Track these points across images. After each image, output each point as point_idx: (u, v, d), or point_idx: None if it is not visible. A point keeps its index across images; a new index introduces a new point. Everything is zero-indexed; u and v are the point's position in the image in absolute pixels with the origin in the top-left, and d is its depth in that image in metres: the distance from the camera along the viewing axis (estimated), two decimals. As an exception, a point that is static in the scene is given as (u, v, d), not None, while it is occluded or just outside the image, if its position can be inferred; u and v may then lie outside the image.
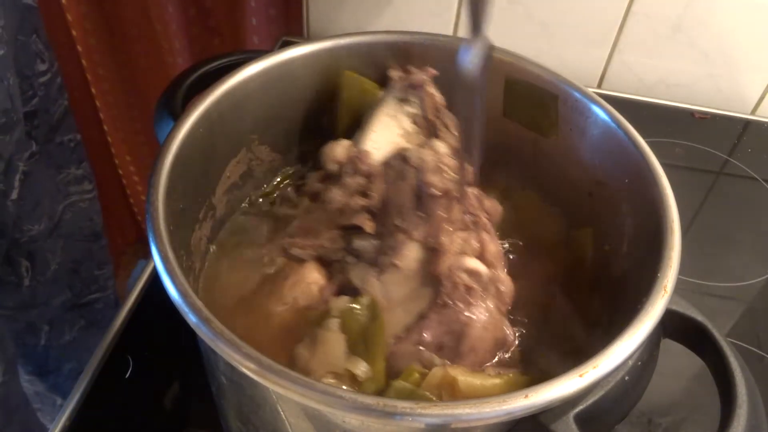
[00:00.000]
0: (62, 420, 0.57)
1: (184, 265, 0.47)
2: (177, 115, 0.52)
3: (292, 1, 0.99)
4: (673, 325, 0.44)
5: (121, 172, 1.29)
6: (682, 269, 0.42)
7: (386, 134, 0.53)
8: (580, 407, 0.39)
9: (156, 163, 0.46)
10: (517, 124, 0.59)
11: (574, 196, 0.57)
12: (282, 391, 0.35)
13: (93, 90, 1.14)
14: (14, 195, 0.69)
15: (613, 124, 0.52)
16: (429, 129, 0.54)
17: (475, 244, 0.48)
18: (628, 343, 0.38)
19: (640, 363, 0.42)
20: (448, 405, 0.35)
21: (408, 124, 0.54)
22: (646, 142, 0.50)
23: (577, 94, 0.54)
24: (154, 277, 0.67)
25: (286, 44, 0.62)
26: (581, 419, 0.39)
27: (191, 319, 0.38)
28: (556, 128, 0.57)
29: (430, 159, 0.48)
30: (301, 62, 0.57)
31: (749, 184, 0.84)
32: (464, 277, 0.46)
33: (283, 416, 0.42)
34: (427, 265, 0.47)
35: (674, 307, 0.44)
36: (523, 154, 0.61)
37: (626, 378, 0.41)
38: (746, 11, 0.87)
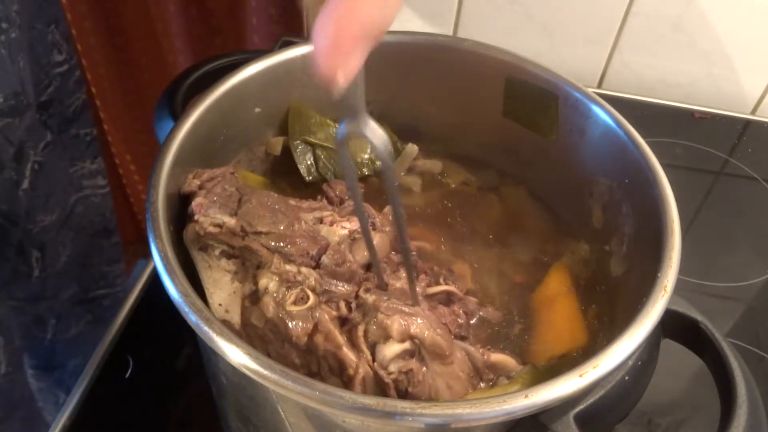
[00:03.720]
0: (62, 419, 0.57)
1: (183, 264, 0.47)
2: (177, 115, 0.52)
3: (293, 1, 0.99)
4: (673, 325, 0.44)
5: (121, 171, 1.29)
6: (682, 269, 0.42)
7: (223, 289, 0.47)
8: (580, 407, 0.39)
9: (156, 163, 0.46)
10: (517, 124, 0.59)
11: (575, 196, 0.57)
12: (282, 391, 0.35)
13: (93, 89, 1.14)
14: (25, 184, 0.69)
15: (613, 124, 0.52)
16: (245, 257, 0.48)
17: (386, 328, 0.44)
18: (628, 343, 0.38)
19: (640, 363, 0.42)
20: (448, 405, 0.35)
21: (228, 265, 0.48)
22: (646, 142, 0.50)
23: (577, 94, 0.54)
24: (154, 276, 0.67)
25: (286, 44, 0.62)
26: (581, 419, 0.39)
27: (191, 319, 0.38)
28: (556, 128, 0.57)
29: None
30: (301, 62, 0.57)
31: (749, 184, 0.84)
32: (393, 370, 0.43)
33: (283, 416, 0.42)
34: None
35: (674, 307, 0.44)
36: (523, 154, 0.61)
37: (626, 378, 0.41)
38: (746, 11, 0.87)
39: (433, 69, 0.59)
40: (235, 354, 0.36)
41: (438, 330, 0.44)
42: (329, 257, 0.46)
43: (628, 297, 0.46)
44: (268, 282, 0.45)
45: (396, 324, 0.43)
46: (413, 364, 0.43)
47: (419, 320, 0.44)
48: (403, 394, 0.43)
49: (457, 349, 0.45)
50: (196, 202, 0.47)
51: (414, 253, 0.52)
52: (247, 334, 0.45)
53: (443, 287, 0.49)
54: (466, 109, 0.61)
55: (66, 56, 0.72)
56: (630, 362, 0.41)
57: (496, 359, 0.47)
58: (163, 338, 0.62)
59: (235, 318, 0.46)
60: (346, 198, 0.55)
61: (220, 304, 0.46)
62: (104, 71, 1.14)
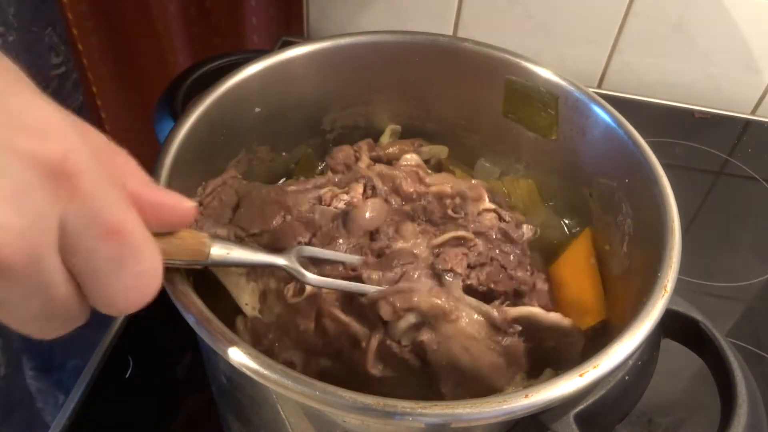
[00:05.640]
0: (63, 419, 0.57)
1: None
2: (177, 115, 0.52)
3: (293, 1, 0.99)
4: (673, 325, 0.44)
5: (121, 171, 1.29)
6: (682, 269, 0.42)
7: (244, 290, 0.49)
8: (581, 407, 0.39)
9: (156, 163, 0.46)
10: (517, 124, 0.59)
11: (574, 196, 0.57)
12: (282, 391, 0.35)
13: (94, 89, 1.14)
14: None
15: (613, 124, 0.52)
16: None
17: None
18: (628, 343, 0.38)
19: (640, 363, 0.42)
20: (448, 405, 0.35)
21: (238, 269, 0.49)
22: (646, 142, 0.50)
23: (577, 94, 0.54)
24: (155, 276, 0.66)
25: (286, 44, 0.62)
26: (581, 419, 0.39)
27: (191, 319, 0.38)
28: (556, 128, 0.57)
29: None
30: (301, 62, 0.57)
31: (749, 184, 0.84)
32: (406, 343, 0.44)
33: (283, 416, 0.42)
34: None
35: (674, 307, 0.44)
36: (523, 154, 0.61)
37: (626, 378, 0.41)
38: (746, 11, 0.87)
39: (433, 69, 0.59)
40: (235, 354, 0.36)
41: (432, 291, 0.44)
42: (318, 240, 0.47)
43: (628, 297, 0.46)
44: (268, 280, 0.46)
45: (383, 308, 0.43)
46: (424, 335, 0.43)
47: (407, 292, 0.44)
48: (422, 362, 0.44)
49: (463, 305, 0.45)
50: None
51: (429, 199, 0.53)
52: (274, 328, 0.46)
53: (450, 234, 0.49)
54: (466, 109, 0.61)
55: (63, 58, 0.72)
56: (630, 362, 0.41)
57: (519, 312, 0.46)
58: (163, 338, 0.62)
59: (255, 312, 0.47)
60: (352, 162, 0.55)
61: (246, 304, 0.47)
62: (105, 71, 1.14)
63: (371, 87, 0.61)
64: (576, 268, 0.53)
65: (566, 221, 0.59)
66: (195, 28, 1.06)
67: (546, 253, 0.55)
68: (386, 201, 0.52)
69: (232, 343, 0.36)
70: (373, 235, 0.49)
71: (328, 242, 0.47)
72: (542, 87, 0.56)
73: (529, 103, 0.57)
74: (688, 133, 0.89)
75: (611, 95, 0.94)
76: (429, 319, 0.44)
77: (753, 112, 0.96)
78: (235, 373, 0.40)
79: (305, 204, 0.50)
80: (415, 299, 0.43)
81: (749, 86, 0.94)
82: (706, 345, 0.44)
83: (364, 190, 0.52)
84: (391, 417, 0.35)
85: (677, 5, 0.88)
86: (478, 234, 0.49)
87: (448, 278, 0.46)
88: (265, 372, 0.36)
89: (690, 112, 0.93)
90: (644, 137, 0.50)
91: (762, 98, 0.95)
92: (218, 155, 0.55)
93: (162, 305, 0.40)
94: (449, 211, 0.51)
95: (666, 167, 0.48)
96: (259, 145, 0.58)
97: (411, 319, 0.43)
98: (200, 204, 0.49)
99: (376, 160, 0.60)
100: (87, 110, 0.80)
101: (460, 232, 0.49)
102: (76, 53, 1.06)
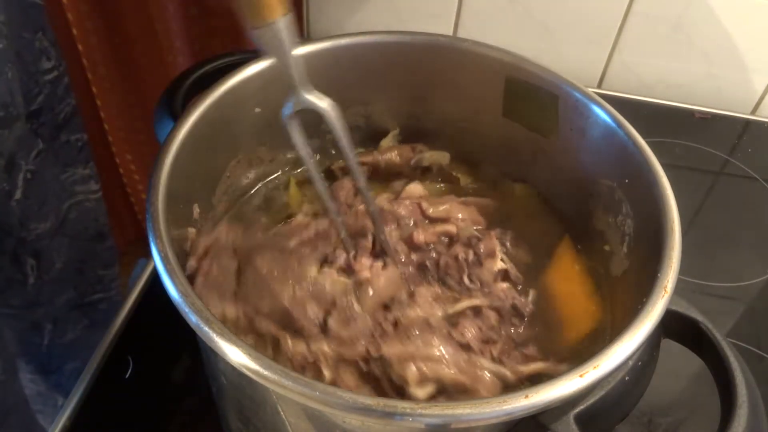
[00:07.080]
0: (62, 420, 0.57)
1: (183, 265, 0.47)
2: (177, 115, 0.52)
3: (293, 1, 0.99)
4: (673, 325, 0.44)
5: (121, 171, 1.29)
6: (682, 269, 0.42)
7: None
8: (581, 407, 0.39)
9: (156, 163, 0.46)
10: (517, 124, 0.59)
11: (574, 196, 0.57)
12: (282, 391, 0.35)
13: (94, 89, 1.14)
14: (18, 194, 0.69)
15: (613, 124, 0.52)
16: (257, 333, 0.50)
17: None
18: (628, 343, 0.38)
19: (640, 363, 0.42)
20: (449, 405, 0.35)
21: (246, 341, 0.48)
22: (646, 142, 0.50)
23: (577, 94, 0.54)
24: (154, 277, 0.67)
25: (286, 44, 0.62)
26: (581, 419, 0.39)
27: (191, 319, 0.38)
28: (556, 128, 0.57)
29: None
30: (300, 62, 0.56)
31: (749, 184, 0.84)
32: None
33: (283, 416, 0.42)
34: None
35: (674, 307, 0.44)
36: (523, 154, 0.61)
37: (626, 378, 0.41)
38: (746, 11, 0.87)
39: (433, 69, 0.59)
40: (235, 354, 0.36)
41: (457, 365, 0.44)
42: (335, 320, 0.46)
43: (628, 297, 0.46)
44: (284, 364, 0.44)
45: (410, 373, 0.43)
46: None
47: (435, 361, 0.44)
48: None
49: (483, 372, 0.44)
50: None
51: (433, 247, 0.53)
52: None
53: (466, 304, 0.48)
54: (466, 109, 0.61)
55: (55, 63, 0.71)
56: (630, 362, 0.41)
57: (532, 371, 0.46)
58: (163, 338, 0.62)
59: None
60: (352, 199, 0.55)
61: None
62: (104, 71, 1.14)
63: (371, 87, 0.61)
64: (563, 278, 0.54)
65: (564, 222, 0.59)
66: (195, 28, 1.06)
67: (542, 257, 0.55)
68: (395, 250, 0.51)
69: (232, 344, 0.36)
70: (386, 304, 0.48)
71: (345, 324, 0.46)
72: (542, 87, 0.56)
73: (529, 103, 0.57)
74: (688, 133, 0.89)
75: (611, 95, 0.94)
76: (450, 391, 0.43)
77: (753, 112, 0.96)
78: (235, 374, 0.40)
79: (312, 267, 0.48)
80: (444, 371, 0.43)
81: (749, 86, 0.94)
82: (706, 345, 0.44)
83: (373, 246, 0.51)
84: (391, 417, 0.35)
85: (677, 5, 0.88)
86: (492, 308, 0.49)
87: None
88: (265, 372, 0.36)
89: (690, 112, 0.93)
90: (644, 137, 0.50)
91: (762, 98, 0.95)
92: (218, 155, 0.55)
93: (162, 306, 0.40)
94: (465, 279, 0.50)
95: (666, 167, 0.48)
96: (259, 145, 0.58)
97: (430, 389, 0.43)
98: (197, 269, 0.48)
99: (374, 166, 0.60)
100: (83, 112, 0.80)
101: (476, 301, 0.49)
102: (76, 54, 1.06)
